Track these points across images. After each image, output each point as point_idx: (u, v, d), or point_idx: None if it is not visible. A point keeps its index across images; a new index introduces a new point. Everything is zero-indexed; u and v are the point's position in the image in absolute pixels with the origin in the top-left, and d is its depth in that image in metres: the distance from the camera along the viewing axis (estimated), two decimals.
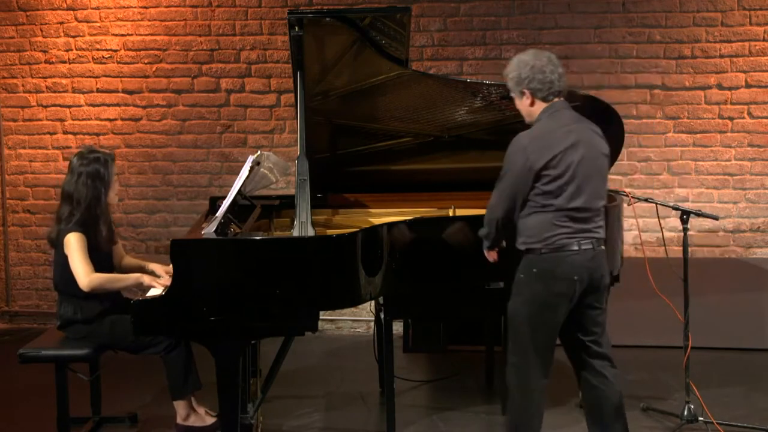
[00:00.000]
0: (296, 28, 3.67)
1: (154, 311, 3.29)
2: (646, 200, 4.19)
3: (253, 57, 5.81)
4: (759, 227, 5.60)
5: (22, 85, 5.98)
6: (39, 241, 6.05)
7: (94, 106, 5.94)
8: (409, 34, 3.90)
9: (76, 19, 5.88)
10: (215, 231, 3.40)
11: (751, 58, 5.50)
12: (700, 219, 4.12)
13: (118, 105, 5.92)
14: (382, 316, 3.88)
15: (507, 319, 3.40)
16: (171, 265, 3.37)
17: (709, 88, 5.54)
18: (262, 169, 3.94)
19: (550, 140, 3.21)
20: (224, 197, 3.64)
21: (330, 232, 3.93)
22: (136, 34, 5.85)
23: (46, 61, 5.93)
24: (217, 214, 3.52)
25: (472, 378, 4.82)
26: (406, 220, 3.84)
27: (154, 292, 3.60)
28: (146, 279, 3.75)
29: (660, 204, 4.13)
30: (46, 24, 5.90)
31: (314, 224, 3.56)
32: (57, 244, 3.79)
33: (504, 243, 3.44)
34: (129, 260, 4.13)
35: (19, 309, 6.17)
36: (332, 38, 3.82)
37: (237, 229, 3.71)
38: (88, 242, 3.75)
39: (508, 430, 3.42)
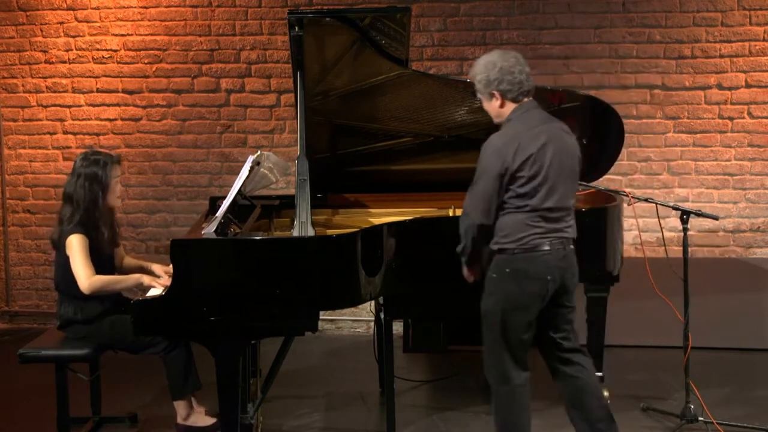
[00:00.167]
0: (296, 28, 3.67)
1: (154, 311, 3.29)
2: (646, 200, 4.19)
3: (253, 57, 5.81)
4: (759, 227, 5.60)
5: (22, 85, 5.98)
6: (39, 241, 6.05)
7: (94, 106, 5.94)
8: (409, 34, 3.91)
9: (76, 19, 5.88)
10: (215, 231, 3.40)
11: (751, 58, 5.50)
12: (700, 219, 4.12)
13: (118, 105, 5.92)
14: (382, 316, 3.88)
15: (480, 319, 3.40)
16: (171, 265, 3.38)
17: (709, 88, 5.54)
18: (262, 169, 3.94)
19: (523, 141, 3.21)
20: (224, 197, 3.64)
21: (330, 232, 3.93)
22: (136, 34, 5.85)
23: (46, 61, 5.93)
24: (217, 214, 3.53)
25: (472, 378, 4.82)
26: (406, 220, 3.85)
27: (154, 292, 3.60)
28: (146, 279, 3.75)
29: (660, 204, 4.13)
30: (46, 24, 5.90)
31: (314, 224, 3.56)
32: (59, 245, 3.79)
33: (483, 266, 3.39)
34: (129, 260, 4.13)
35: (19, 309, 6.17)
36: (332, 38, 3.83)
37: (237, 229, 3.71)
38: (89, 244, 3.75)
39: (498, 430, 3.43)
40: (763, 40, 5.48)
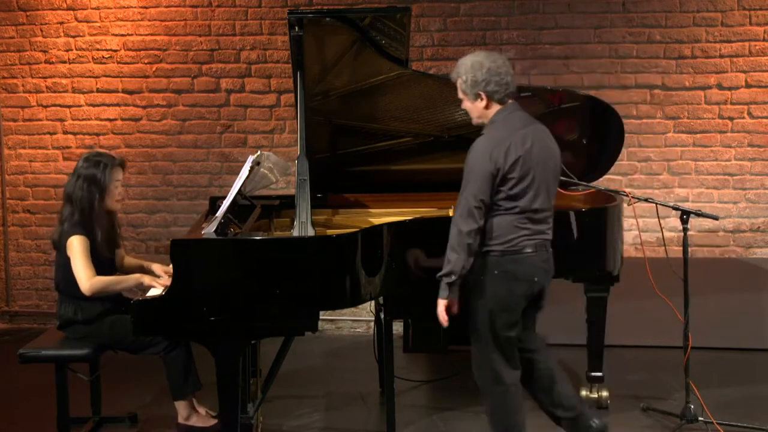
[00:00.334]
0: (296, 28, 3.67)
1: (154, 311, 3.29)
2: (646, 200, 4.19)
3: (253, 57, 5.81)
4: (759, 227, 5.60)
5: (22, 85, 5.98)
6: (39, 241, 6.05)
7: (94, 106, 5.94)
8: (409, 34, 3.91)
9: (76, 19, 5.88)
10: (215, 231, 3.40)
11: (751, 58, 5.50)
12: (700, 219, 4.12)
13: (118, 105, 5.92)
14: (382, 316, 3.88)
15: (468, 321, 3.40)
16: (171, 265, 3.37)
17: (709, 88, 5.54)
18: (262, 169, 3.94)
19: (512, 143, 3.21)
20: (224, 197, 3.64)
21: (330, 232, 3.92)
22: (136, 34, 5.85)
23: (46, 61, 5.93)
24: (217, 214, 3.53)
25: (472, 378, 4.80)
26: (406, 220, 3.84)
27: (154, 292, 3.60)
28: (146, 279, 3.75)
29: (660, 204, 4.13)
30: (46, 24, 5.90)
31: (314, 224, 3.56)
32: (59, 245, 3.79)
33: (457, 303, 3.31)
34: (129, 260, 4.13)
35: (19, 309, 6.17)
36: (332, 38, 3.83)
37: (237, 229, 3.71)
38: (90, 245, 3.75)
39: None
40: (763, 40, 5.48)
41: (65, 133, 5.98)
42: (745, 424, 4.00)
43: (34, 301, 6.17)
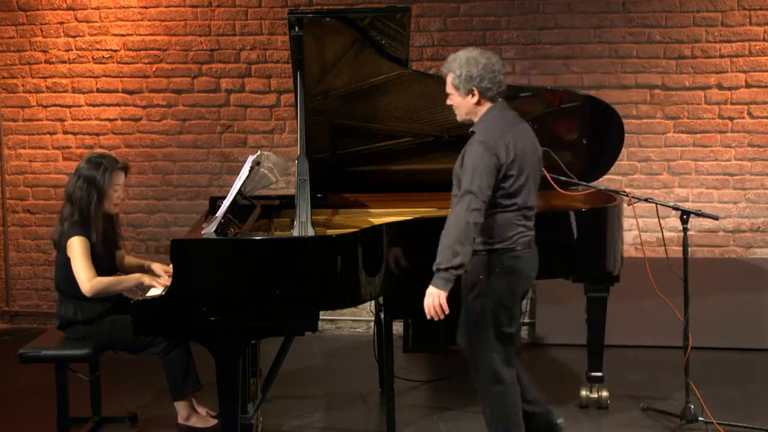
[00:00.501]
0: (296, 28, 3.67)
1: (154, 311, 3.29)
2: (646, 200, 4.19)
3: (253, 57, 5.81)
4: (759, 227, 5.60)
5: (22, 85, 5.98)
6: (39, 241, 6.05)
7: (94, 106, 5.93)
8: (409, 34, 3.91)
9: (76, 19, 5.88)
10: (215, 231, 3.40)
11: (751, 58, 5.50)
12: (700, 219, 4.12)
13: (118, 105, 5.92)
14: (382, 316, 3.89)
15: (467, 320, 3.40)
16: (171, 265, 3.37)
17: (709, 88, 5.54)
18: (262, 169, 3.94)
19: (510, 140, 3.23)
20: (224, 197, 3.64)
21: (330, 232, 3.92)
22: (136, 34, 5.85)
23: (46, 61, 5.93)
24: (217, 214, 3.53)
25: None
26: (406, 220, 3.84)
27: (154, 292, 3.60)
28: (146, 279, 3.75)
29: (660, 204, 4.13)
30: (46, 24, 5.90)
31: (314, 224, 3.56)
32: (59, 245, 3.79)
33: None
34: (130, 259, 4.13)
35: (19, 309, 6.17)
36: (332, 38, 3.83)
37: (237, 229, 3.71)
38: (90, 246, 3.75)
39: None
40: (763, 40, 5.48)
41: (65, 133, 5.98)
42: (745, 424, 3.99)
43: (34, 301, 6.17)
